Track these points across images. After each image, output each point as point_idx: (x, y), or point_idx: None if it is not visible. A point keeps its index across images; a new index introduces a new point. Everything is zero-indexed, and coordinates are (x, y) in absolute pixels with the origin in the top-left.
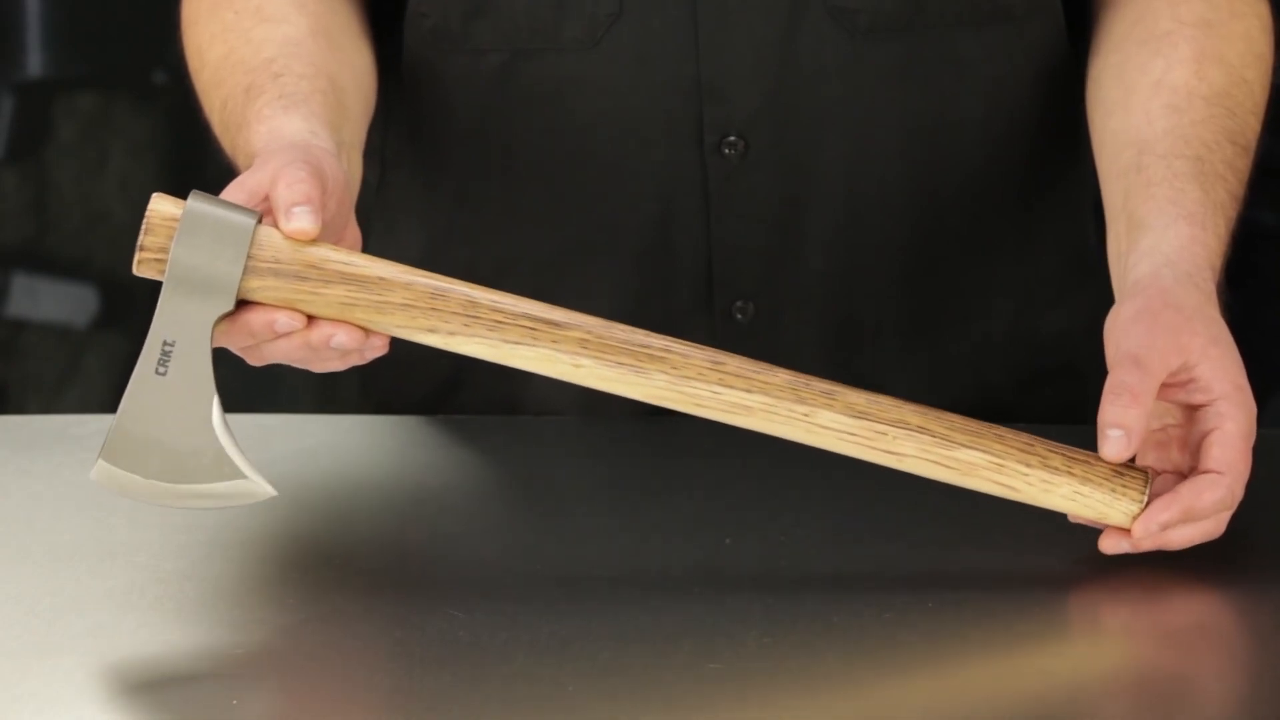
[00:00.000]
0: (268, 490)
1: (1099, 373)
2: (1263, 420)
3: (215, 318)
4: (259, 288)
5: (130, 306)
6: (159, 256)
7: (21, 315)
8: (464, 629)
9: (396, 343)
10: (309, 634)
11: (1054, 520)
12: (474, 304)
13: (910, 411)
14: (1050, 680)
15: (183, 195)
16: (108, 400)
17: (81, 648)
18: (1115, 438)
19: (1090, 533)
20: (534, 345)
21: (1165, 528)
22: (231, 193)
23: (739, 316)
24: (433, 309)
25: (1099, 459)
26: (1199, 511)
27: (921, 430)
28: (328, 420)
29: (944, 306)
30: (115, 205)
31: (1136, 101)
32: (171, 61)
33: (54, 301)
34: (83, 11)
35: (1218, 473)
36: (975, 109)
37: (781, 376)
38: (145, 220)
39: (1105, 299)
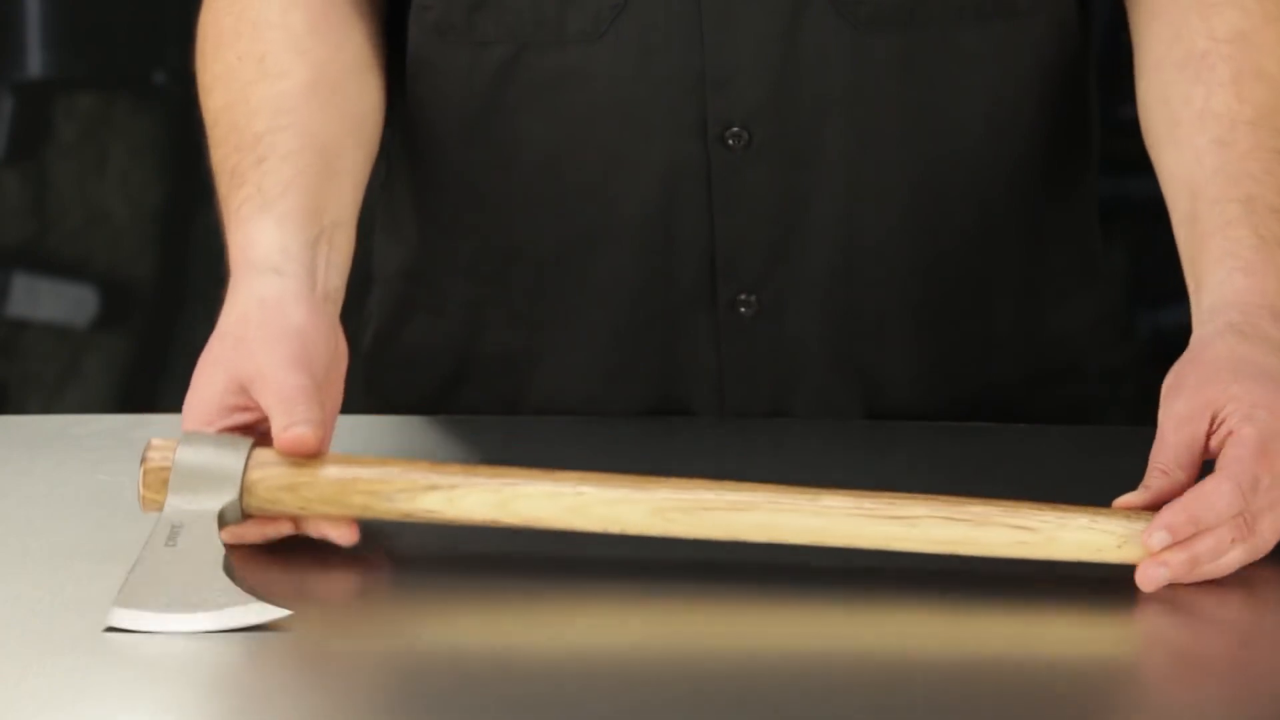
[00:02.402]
0: (281, 611)
1: (1103, 373)
2: None
3: (218, 527)
4: (256, 509)
5: (130, 306)
6: (157, 500)
7: (21, 315)
8: (464, 629)
9: (400, 341)
10: (309, 634)
11: None
12: (472, 468)
13: (919, 498)
14: (1060, 678)
15: (182, 196)
16: (108, 400)
17: (81, 648)
18: (1161, 539)
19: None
20: (534, 483)
21: (1173, 531)
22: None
23: (742, 309)
24: (431, 470)
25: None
26: (1207, 512)
27: (930, 499)
28: None
29: (947, 301)
30: (115, 205)
31: (1184, 136)
32: (171, 61)
33: (54, 301)
34: (83, 11)
35: (1225, 467)
36: (978, 102)
37: (782, 487)
38: (141, 469)
39: (1110, 301)
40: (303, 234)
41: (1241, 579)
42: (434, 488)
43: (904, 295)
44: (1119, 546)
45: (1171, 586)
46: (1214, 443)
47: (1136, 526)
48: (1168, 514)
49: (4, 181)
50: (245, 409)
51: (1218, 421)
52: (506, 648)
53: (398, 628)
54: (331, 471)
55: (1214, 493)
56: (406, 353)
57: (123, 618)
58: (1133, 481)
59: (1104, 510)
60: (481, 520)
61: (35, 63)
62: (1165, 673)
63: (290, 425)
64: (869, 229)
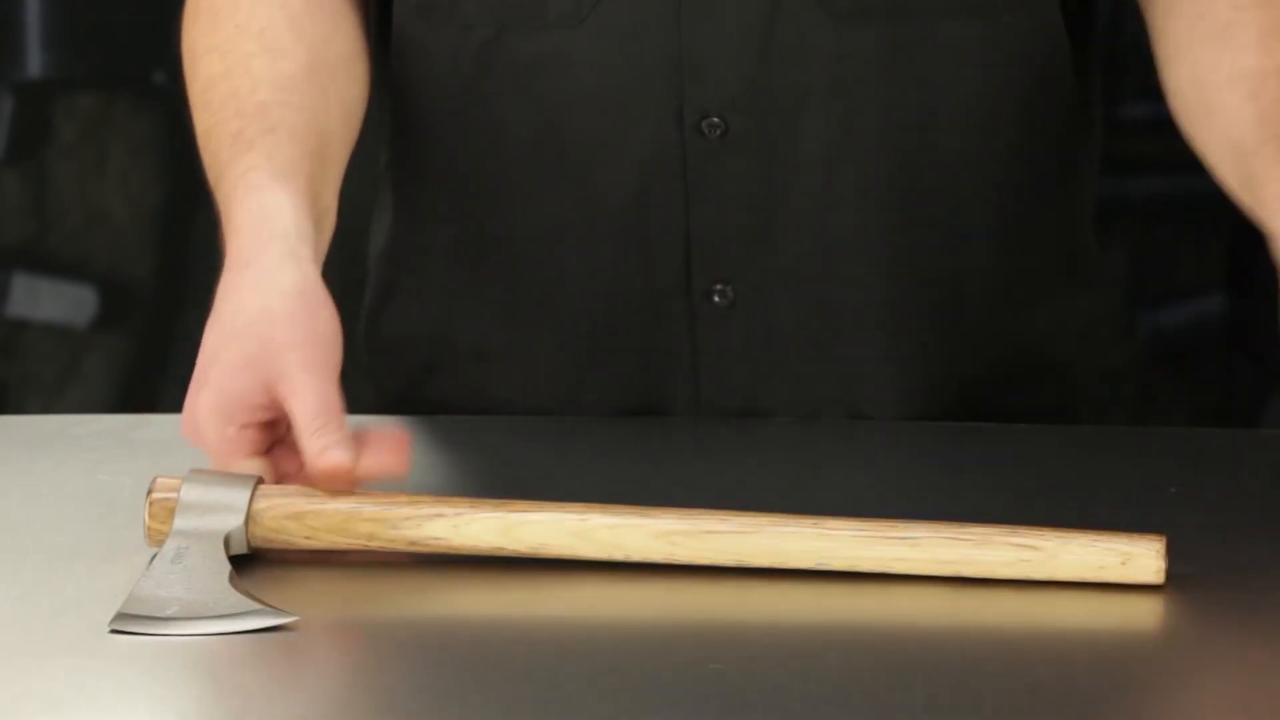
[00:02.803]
0: (289, 616)
1: (1103, 373)
2: (1265, 420)
3: (224, 550)
4: (261, 539)
5: (130, 306)
6: (163, 530)
7: (21, 315)
8: (463, 629)
9: (382, 325)
10: (308, 634)
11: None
12: (478, 500)
13: (921, 522)
14: (1060, 675)
15: (182, 196)
16: (108, 400)
17: (81, 648)
18: None
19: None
20: (540, 511)
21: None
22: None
23: (717, 299)
24: (437, 500)
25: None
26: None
27: (931, 522)
28: None
29: (924, 296)
30: (115, 205)
31: (1217, 102)
32: (171, 61)
33: (54, 301)
34: (83, 11)
35: None
36: (957, 99)
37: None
38: (146, 501)
39: (1109, 301)
40: (310, 216)
41: (1243, 576)
42: (439, 515)
43: (881, 289)
44: (1122, 564)
45: (1175, 587)
46: None
47: (1139, 545)
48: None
49: (4, 181)
50: (267, 408)
51: None
52: (511, 649)
53: (400, 628)
54: (337, 501)
55: None
56: (388, 337)
57: (127, 625)
58: (1132, 481)
59: (1105, 531)
60: (487, 547)
61: (35, 63)
62: (1166, 672)
63: (325, 448)
64: (846, 222)
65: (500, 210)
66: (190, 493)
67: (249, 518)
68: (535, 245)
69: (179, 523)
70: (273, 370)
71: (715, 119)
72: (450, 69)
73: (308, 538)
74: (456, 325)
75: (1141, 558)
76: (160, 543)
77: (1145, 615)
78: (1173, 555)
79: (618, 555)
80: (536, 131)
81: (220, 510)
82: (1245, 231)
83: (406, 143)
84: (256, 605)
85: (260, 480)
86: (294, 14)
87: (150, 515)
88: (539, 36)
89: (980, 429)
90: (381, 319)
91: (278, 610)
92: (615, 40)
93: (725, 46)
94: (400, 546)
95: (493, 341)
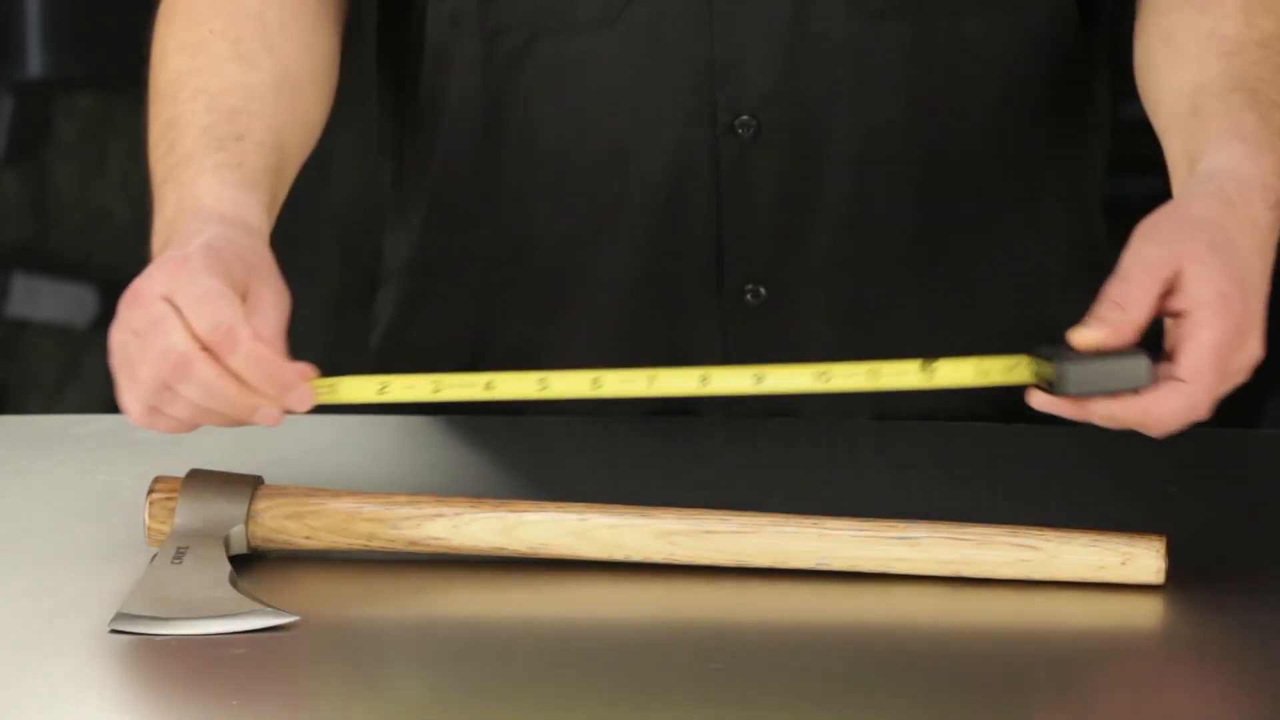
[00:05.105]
0: (289, 616)
1: None
2: (1263, 420)
3: (224, 549)
4: (261, 539)
5: None
6: (163, 530)
7: (21, 315)
8: (463, 629)
9: (411, 336)
10: (309, 633)
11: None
12: (478, 500)
13: (921, 522)
14: (1060, 674)
15: None
16: (108, 400)
17: (81, 648)
18: (1090, 329)
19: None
20: (540, 511)
21: (1118, 423)
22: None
23: (749, 299)
24: (438, 501)
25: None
26: (1157, 418)
27: (931, 522)
28: (328, 420)
29: (952, 292)
30: (115, 205)
31: (1189, 54)
32: None
33: (54, 301)
34: (83, 11)
35: (1181, 380)
36: (984, 93)
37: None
38: (146, 501)
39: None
40: (267, 220)
41: (1243, 577)
42: (440, 515)
43: (910, 285)
44: (1122, 564)
45: (1175, 587)
46: (1172, 303)
47: (1139, 545)
48: (1122, 410)
49: (4, 181)
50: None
51: (1176, 280)
52: (511, 649)
53: (400, 628)
54: (337, 501)
55: (1171, 398)
56: (417, 348)
57: (127, 625)
58: (1132, 481)
59: (1104, 531)
60: (487, 547)
61: (35, 63)
62: (1166, 672)
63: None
64: (875, 218)
65: (533, 214)
66: (190, 493)
67: (249, 518)
68: (568, 247)
69: (179, 523)
70: (244, 272)
71: (748, 118)
72: (482, 76)
73: (308, 538)
74: (493, 328)
75: (1141, 558)
76: (160, 543)
77: (1145, 615)
78: (1173, 555)
79: (618, 555)
80: (568, 134)
81: (220, 510)
82: None
83: (438, 152)
84: (256, 605)
85: (260, 480)
86: (269, 30)
87: (150, 515)
88: (570, 40)
89: (980, 429)
90: (409, 329)
91: (278, 610)
92: (646, 42)
93: (757, 45)
94: (400, 546)
95: (529, 343)
